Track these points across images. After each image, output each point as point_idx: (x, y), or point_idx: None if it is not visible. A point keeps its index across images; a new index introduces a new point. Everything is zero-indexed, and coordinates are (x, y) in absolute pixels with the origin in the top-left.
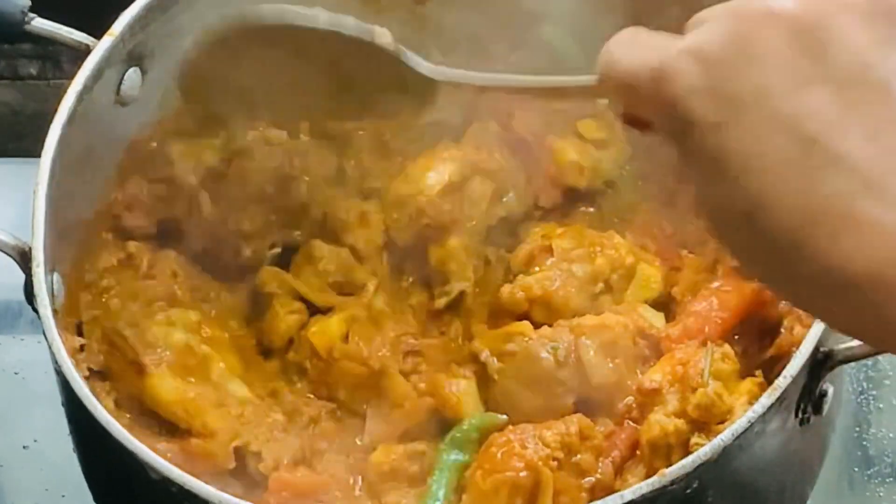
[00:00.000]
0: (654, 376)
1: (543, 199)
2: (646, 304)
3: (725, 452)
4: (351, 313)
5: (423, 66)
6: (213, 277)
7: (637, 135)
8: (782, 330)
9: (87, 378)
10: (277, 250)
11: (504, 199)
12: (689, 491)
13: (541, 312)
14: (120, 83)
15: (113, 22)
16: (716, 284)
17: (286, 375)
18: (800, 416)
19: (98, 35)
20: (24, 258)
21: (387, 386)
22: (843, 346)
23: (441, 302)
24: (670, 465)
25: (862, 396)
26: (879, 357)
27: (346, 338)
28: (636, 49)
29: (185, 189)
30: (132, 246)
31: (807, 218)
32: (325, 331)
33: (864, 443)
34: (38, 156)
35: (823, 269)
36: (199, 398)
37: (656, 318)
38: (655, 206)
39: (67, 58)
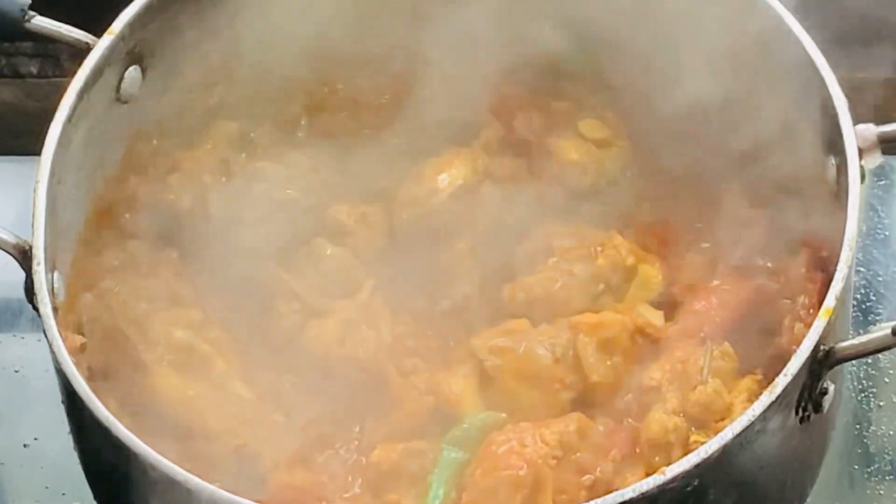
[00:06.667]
0: (654, 374)
1: (546, 200)
2: (646, 303)
3: (726, 450)
4: (347, 316)
5: None
6: (215, 277)
7: (639, 134)
8: (782, 328)
9: (87, 377)
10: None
11: (512, 206)
12: (689, 489)
13: (542, 313)
14: (120, 82)
15: (113, 20)
16: (715, 283)
17: (286, 376)
18: (800, 413)
19: (98, 33)
20: (24, 256)
21: (386, 387)
22: (843, 344)
23: (445, 304)
24: (670, 463)
25: (862, 394)
26: (880, 355)
27: (342, 341)
28: None
29: (191, 188)
30: (132, 245)
31: None
32: (321, 335)
33: (865, 440)
34: (39, 154)
35: None
36: (200, 397)
37: (656, 317)
38: (657, 206)
39: (68, 56)
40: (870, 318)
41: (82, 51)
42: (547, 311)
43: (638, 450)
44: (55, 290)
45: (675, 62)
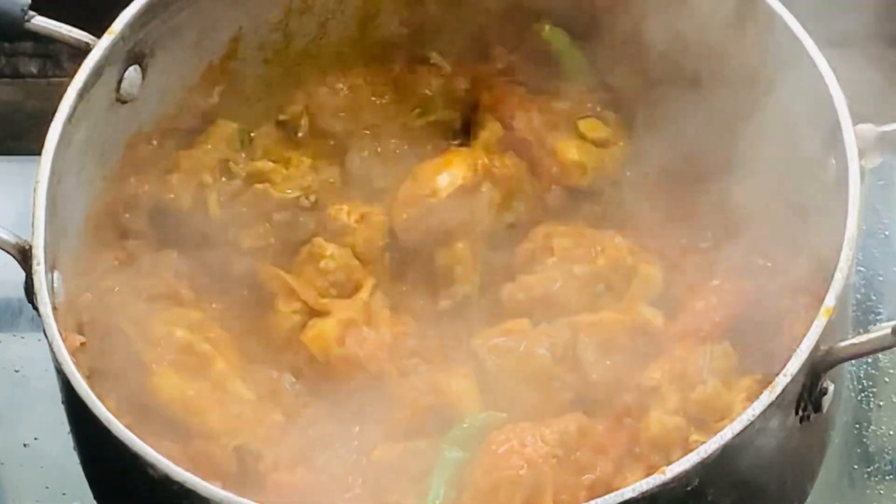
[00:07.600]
0: (653, 374)
1: (546, 199)
2: (646, 303)
3: (726, 450)
4: (347, 316)
5: None
6: (215, 276)
7: (638, 134)
8: (782, 328)
9: (87, 376)
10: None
11: (512, 206)
12: (689, 488)
13: (542, 313)
14: (120, 81)
15: (113, 20)
16: (715, 283)
17: (286, 376)
18: (800, 413)
19: (98, 33)
20: (24, 256)
21: (386, 387)
22: (843, 343)
23: (445, 304)
24: (670, 462)
25: (862, 394)
26: (880, 355)
27: (342, 341)
28: None
29: (191, 188)
30: (132, 245)
31: None
32: (320, 335)
33: (864, 440)
34: (39, 154)
35: None
36: (200, 397)
37: (656, 317)
38: (657, 205)
39: (68, 56)
40: (870, 318)
41: (82, 51)
42: (547, 311)
43: (638, 450)
44: (55, 290)
45: (675, 63)
